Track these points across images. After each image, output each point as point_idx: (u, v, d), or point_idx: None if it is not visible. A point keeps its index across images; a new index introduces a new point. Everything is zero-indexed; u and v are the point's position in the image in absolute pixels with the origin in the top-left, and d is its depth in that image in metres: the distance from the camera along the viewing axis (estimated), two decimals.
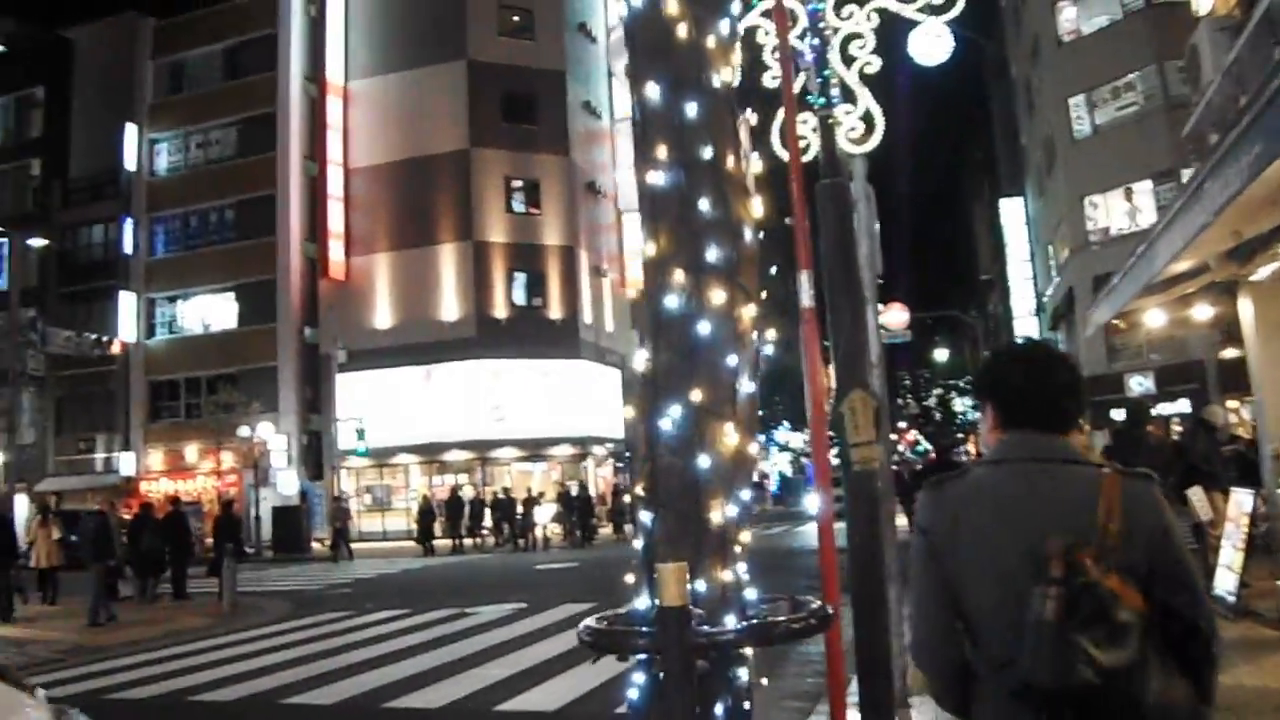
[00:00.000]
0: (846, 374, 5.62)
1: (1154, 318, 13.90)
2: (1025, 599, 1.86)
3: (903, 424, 71.20)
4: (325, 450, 36.03)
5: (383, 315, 37.15)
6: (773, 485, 53.34)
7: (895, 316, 39.80)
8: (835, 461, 5.43)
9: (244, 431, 34.32)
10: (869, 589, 5.22)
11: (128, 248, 41.05)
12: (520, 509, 30.29)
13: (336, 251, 37.37)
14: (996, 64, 51.85)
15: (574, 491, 30.62)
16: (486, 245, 36.45)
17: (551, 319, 36.77)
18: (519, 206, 37.27)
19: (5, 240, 43.86)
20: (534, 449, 36.13)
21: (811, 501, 6.32)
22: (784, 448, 60.18)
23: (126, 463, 39.34)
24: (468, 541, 30.53)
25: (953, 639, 2.08)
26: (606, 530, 32.35)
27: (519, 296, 36.74)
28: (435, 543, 29.72)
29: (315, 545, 33.89)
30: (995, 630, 1.97)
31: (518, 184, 37.32)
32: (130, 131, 41.20)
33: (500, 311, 36.28)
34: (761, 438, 47.89)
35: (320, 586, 21.16)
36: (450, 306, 36.31)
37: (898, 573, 6.60)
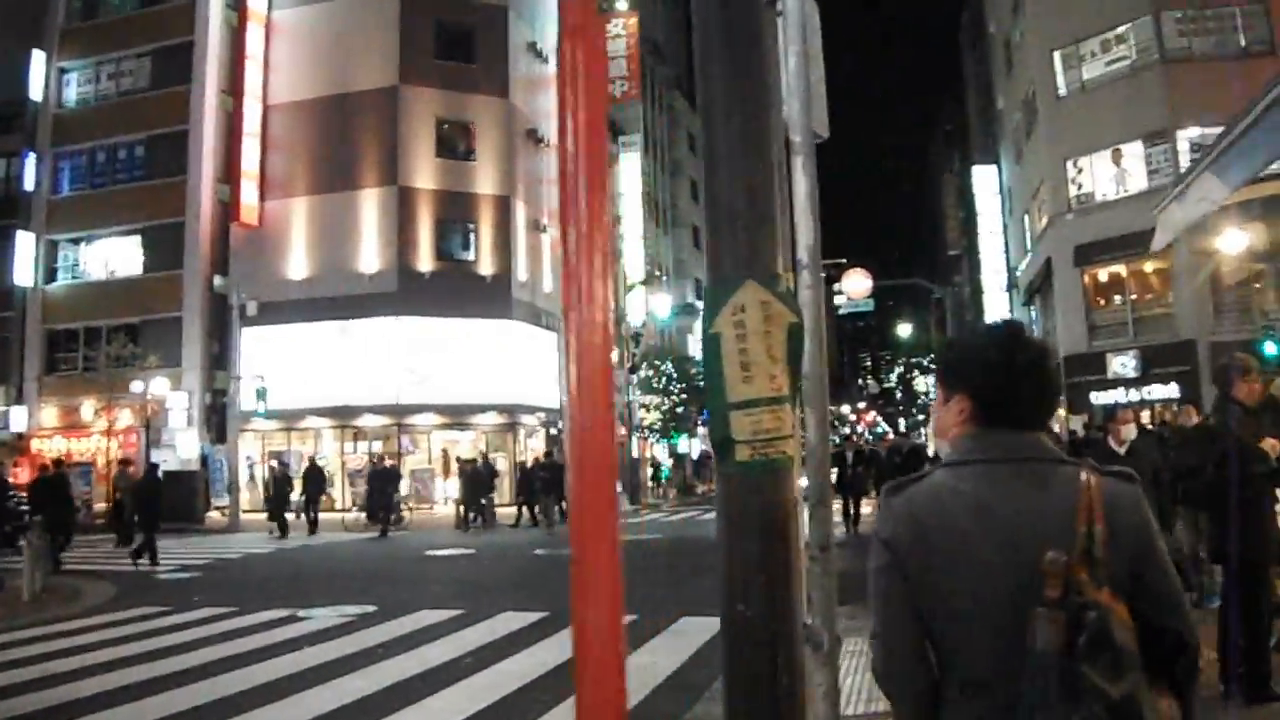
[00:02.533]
0: (730, 259, 3.04)
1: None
2: (1013, 620, 1.73)
3: (862, 404, 69.10)
4: (229, 410, 32.95)
5: (297, 265, 34.08)
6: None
7: (857, 283, 37.47)
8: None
9: (137, 387, 31.21)
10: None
11: (29, 184, 37.69)
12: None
13: (250, 194, 34.25)
14: (973, 28, 49.60)
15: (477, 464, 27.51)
16: (412, 191, 33.42)
17: (481, 275, 33.83)
18: (450, 151, 34.17)
19: None
20: (457, 416, 33.28)
21: None
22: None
23: (17, 418, 36.13)
24: (342, 518, 27.23)
25: (924, 660, 1.92)
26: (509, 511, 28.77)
27: (447, 249, 33.74)
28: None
29: (215, 515, 31.00)
30: (973, 652, 1.84)
31: (449, 126, 34.25)
32: (37, 58, 37.73)
33: (425, 265, 33.31)
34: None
35: (174, 567, 18.27)
36: (370, 257, 33.31)
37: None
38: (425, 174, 33.67)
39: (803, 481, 3.18)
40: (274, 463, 28.37)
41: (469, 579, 15.37)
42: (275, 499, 25.79)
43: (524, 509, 26.25)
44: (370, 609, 12.11)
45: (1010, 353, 1.95)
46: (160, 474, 22.54)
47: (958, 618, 1.85)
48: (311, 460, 28.69)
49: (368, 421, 32.86)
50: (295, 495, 26.99)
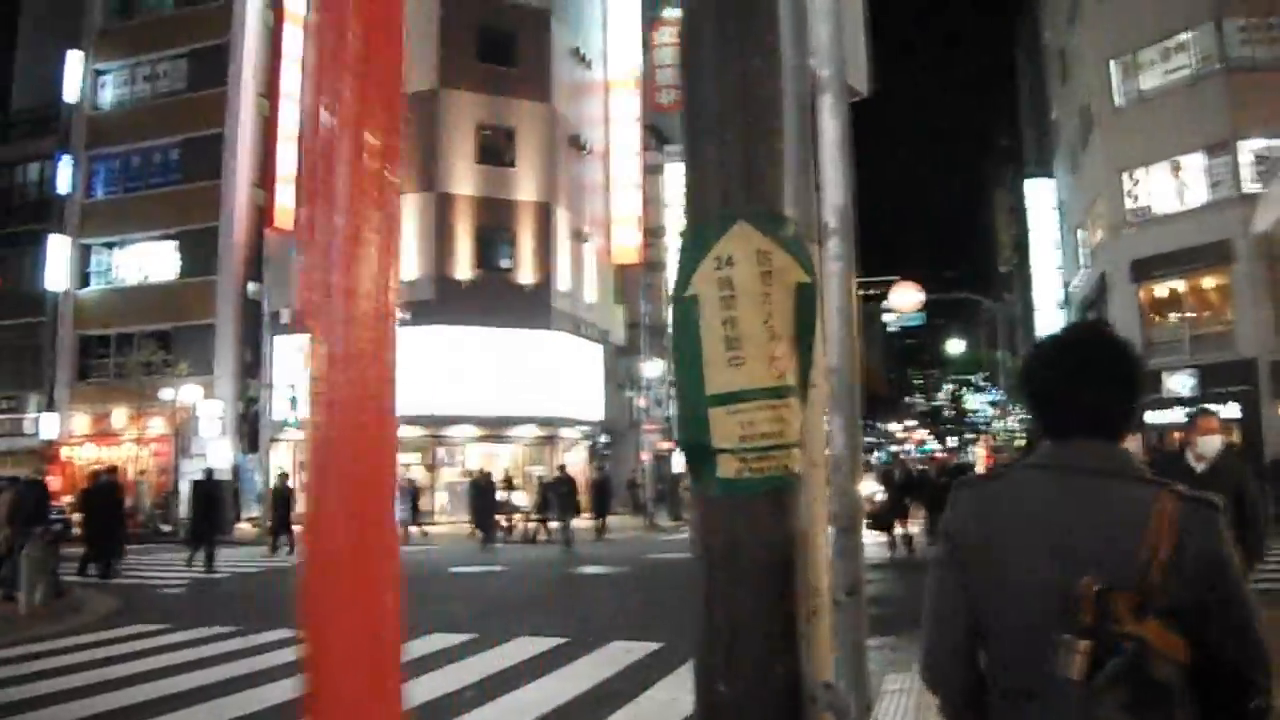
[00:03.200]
0: (715, 189, 2.18)
1: None
2: (1048, 639, 1.66)
3: (913, 422, 67.66)
4: (259, 420, 32.10)
5: None
6: None
7: (907, 296, 36.12)
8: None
9: (167, 394, 30.44)
10: None
11: (63, 187, 37.12)
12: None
13: (286, 198, 33.39)
14: (1029, 38, 48.33)
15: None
16: (450, 198, 32.47)
17: (521, 284, 32.82)
18: (491, 157, 33.20)
19: None
20: (495, 428, 32.24)
21: None
22: None
23: (48, 425, 35.46)
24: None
25: (968, 659, 1.87)
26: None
27: (486, 257, 32.75)
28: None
29: (245, 527, 30.11)
30: (1014, 661, 1.77)
31: (490, 131, 33.31)
32: (74, 59, 37.21)
33: (463, 273, 32.33)
34: None
35: (186, 581, 17.32)
36: (407, 265, 32.33)
37: None
38: (465, 180, 32.74)
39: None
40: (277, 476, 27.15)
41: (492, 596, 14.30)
42: (277, 514, 24.70)
43: (541, 525, 25.26)
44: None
45: (1062, 356, 1.90)
46: (214, 479, 22.44)
47: (1003, 624, 1.79)
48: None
49: (403, 432, 31.72)
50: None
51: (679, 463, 36.02)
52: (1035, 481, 1.84)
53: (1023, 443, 34.61)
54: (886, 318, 40.24)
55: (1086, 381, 1.83)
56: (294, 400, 29.37)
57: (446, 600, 13.79)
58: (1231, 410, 24.55)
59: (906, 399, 70.06)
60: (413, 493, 26.49)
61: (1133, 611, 1.61)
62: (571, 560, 19.55)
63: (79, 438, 35.39)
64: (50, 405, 36.04)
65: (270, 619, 11.57)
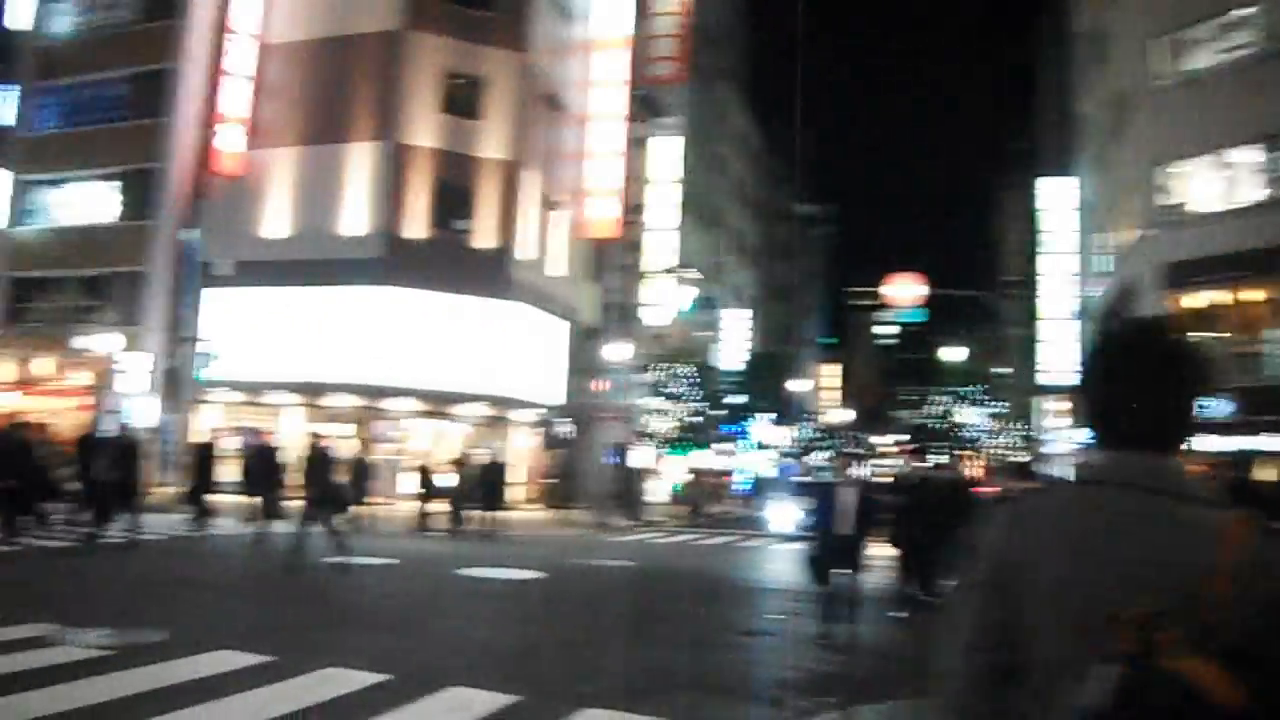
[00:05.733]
0: None
1: None
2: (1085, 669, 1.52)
3: (905, 436, 65.03)
4: (178, 376, 29.42)
5: (273, 223, 30.50)
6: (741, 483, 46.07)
7: (906, 290, 33.23)
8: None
9: (81, 342, 27.81)
10: None
11: (7, 120, 34.54)
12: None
13: (232, 140, 30.75)
14: (1053, 30, 45.72)
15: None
16: (408, 149, 29.72)
17: (478, 249, 30.05)
18: (456, 107, 30.41)
19: None
20: (439, 403, 29.47)
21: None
22: (762, 445, 52.16)
23: None
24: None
25: (1002, 695, 1.68)
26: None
27: (442, 215, 29.95)
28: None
29: (164, 490, 27.41)
30: (1059, 693, 1.58)
31: (458, 80, 30.54)
32: None
33: (416, 231, 29.56)
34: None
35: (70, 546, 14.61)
36: (356, 219, 29.66)
37: None
38: (425, 130, 29.98)
39: None
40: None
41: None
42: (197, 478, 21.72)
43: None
44: (158, 637, 8.39)
45: (1117, 356, 1.75)
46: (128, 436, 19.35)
47: (1044, 655, 1.63)
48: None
49: (336, 400, 29.08)
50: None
51: (640, 457, 33.25)
52: (1085, 498, 1.70)
53: (1018, 460, 31.74)
54: (876, 328, 37.23)
55: (1145, 386, 1.68)
56: (208, 356, 26.74)
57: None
58: (1277, 442, 21.61)
59: (891, 413, 67.60)
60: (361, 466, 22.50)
61: (1183, 645, 1.43)
62: (469, 557, 16.62)
63: (7, 385, 32.78)
64: None
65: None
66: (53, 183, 34.19)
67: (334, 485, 16.17)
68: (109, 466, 17.26)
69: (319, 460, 15.25)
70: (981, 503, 11.33)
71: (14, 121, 34.64)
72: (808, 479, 29.77)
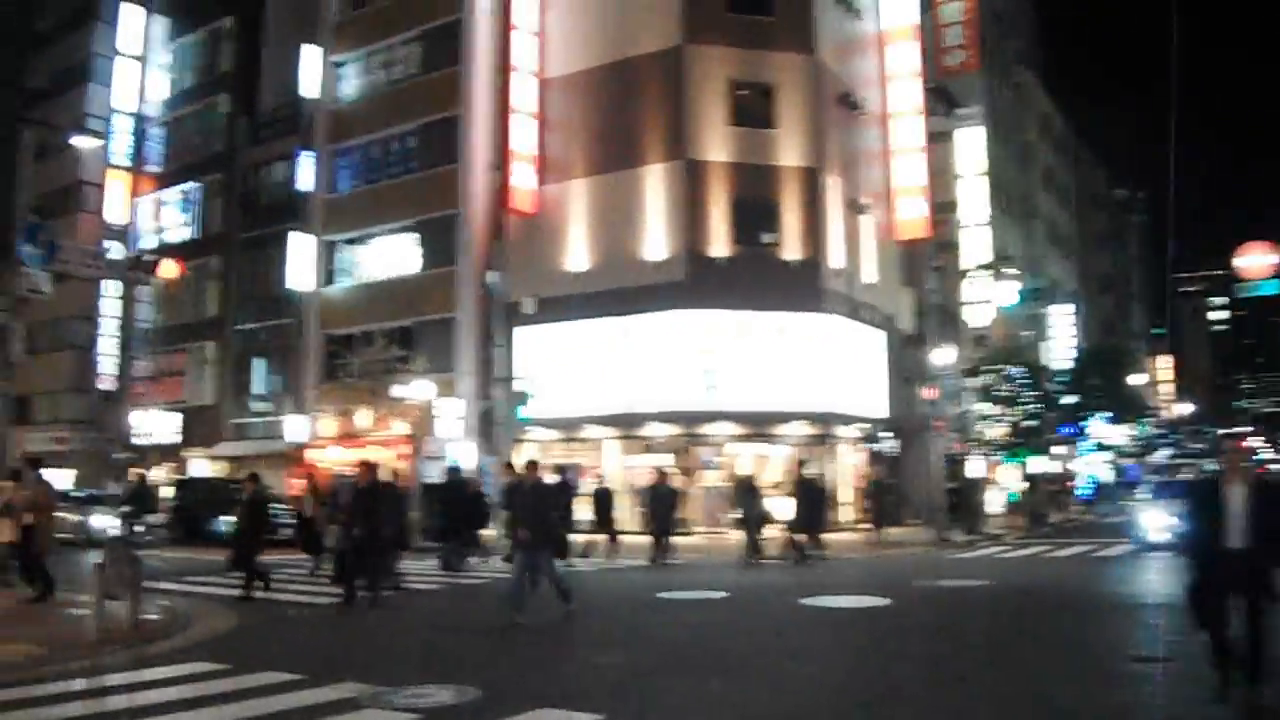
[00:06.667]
0: None
1: None
2: None
3: (1246, 428, 58.82)
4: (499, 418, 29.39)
5: (574, 256, 30.16)
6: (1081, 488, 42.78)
7: (1257, 259, 29.39)
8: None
9: (398, 392, 28.27)
10: None
11: (305, 184, 35.98)
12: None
13: (523, 178, 30.66)
14: None
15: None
16: (702, 165, 28.72)
17: (786, 261, 28.66)
18: (747, 118, 29.19)
19: (196, 185, 40.53)
20: (758, 425, 28.20)
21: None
22: (1101, 446, 48.03)
23: (296, 428, 34.26)
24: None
25: None
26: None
27: (744, 231, 28.75)
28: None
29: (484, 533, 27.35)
30: None
31: (745, 90, 29.33)
32: (310, 54, 36.07)
33: (719, 249, 28.48)
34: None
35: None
36: (655, 244, 28.88)
37: None
38: (718, 145, 28.93)
39: None
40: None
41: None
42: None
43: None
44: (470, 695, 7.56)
45: None
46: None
47: None
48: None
49: (653, 430, 28.30)
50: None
51: (975, 467, 30.98)
52: None
53: None
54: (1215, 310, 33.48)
55: None
56: (523, 396, 26.32)
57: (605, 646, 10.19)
58: None
59: (1234, 403, 61.62)
60: (603, 495, 21.61)
61: None
62: (803, 586, 14.96)
63: (324, 440, 34.02)
64: (298, 408, 35.00)
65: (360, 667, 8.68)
66: (356, 240, 35.39)
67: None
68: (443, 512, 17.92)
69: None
70: None
71: (313, 186, 36.03)
72: (1179, 478, 26.77)
